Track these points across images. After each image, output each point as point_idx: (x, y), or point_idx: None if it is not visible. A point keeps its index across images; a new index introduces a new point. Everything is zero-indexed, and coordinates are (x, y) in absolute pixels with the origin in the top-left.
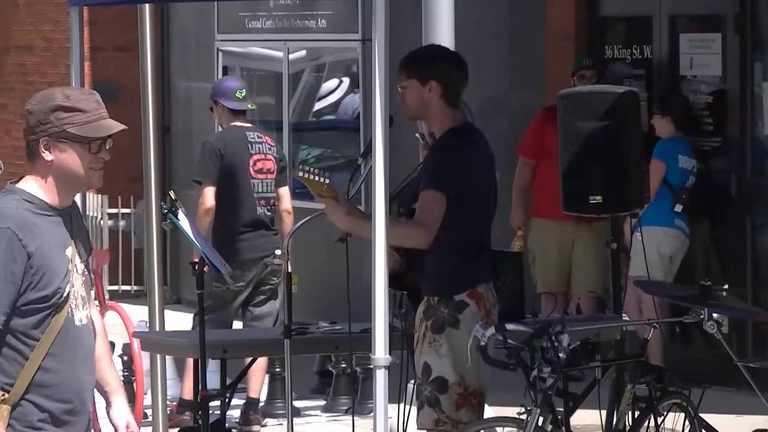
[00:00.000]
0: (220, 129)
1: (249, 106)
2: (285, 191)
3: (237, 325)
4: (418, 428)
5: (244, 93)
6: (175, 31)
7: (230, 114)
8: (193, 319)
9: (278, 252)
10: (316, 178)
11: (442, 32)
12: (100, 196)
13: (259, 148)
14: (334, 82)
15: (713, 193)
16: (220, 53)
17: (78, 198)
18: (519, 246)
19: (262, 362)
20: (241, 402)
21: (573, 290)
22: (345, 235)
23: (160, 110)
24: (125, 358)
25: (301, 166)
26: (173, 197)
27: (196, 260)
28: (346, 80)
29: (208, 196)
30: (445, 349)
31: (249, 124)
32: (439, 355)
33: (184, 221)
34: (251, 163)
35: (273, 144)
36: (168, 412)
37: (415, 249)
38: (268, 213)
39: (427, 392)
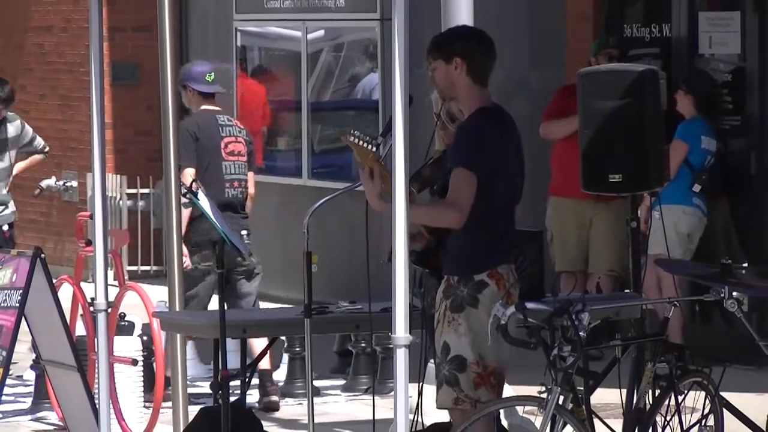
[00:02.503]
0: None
1: (219, 89)
2: (251, 176)
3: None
4: (437, 407)
5: (213, 76)
6: (193, 11)
7: (200, 98)
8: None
9: (244, 232)
10: (365, 145)
11: (461, 11)
12: (119, 176)
13: (229, 130)
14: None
15: (733, 171)
16: (239, 33)
17: (97, 178)
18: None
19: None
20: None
21: (591, 269)
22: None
23: (178, 91)
24: (145, 338)
25: (351, 131)
26: (193, 177)
27: (215, 240)
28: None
29: (188, 177)
30: (463, 329)
31: (218, 108)
32: (458, 335)
33: (204, 201)
34: (223, 145)
35: (242, 127)
36: None
37: (441, 228)
38: (239, 195)
39: (445, 371)
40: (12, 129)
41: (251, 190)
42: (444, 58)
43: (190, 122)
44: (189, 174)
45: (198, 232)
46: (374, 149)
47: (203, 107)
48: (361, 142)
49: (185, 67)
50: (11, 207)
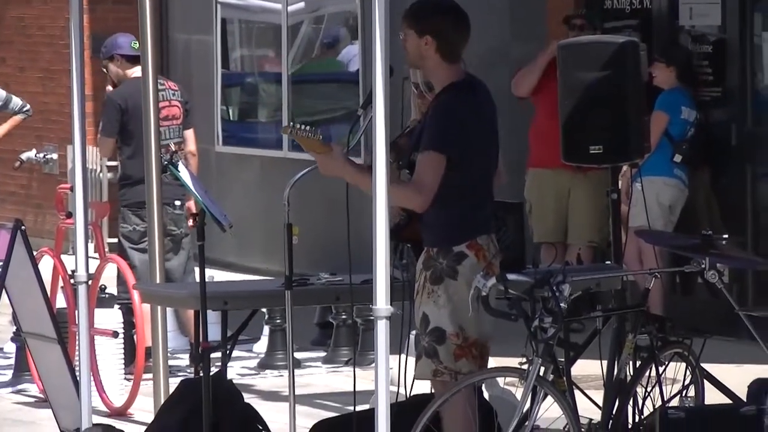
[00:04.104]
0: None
1: None
2: (190, 134)
3: None
4: (415, 378)
5: (138, 44)
6: None
7: (128, 63)
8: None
9: (177, 203)
10: (308, 135)
11: None
12: (98, 148)
13: (162, 95)
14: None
15: (713, 143)
16: (219, 6)
17: (78, 150)
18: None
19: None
20: (244, 354)
21: (570, 240)
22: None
23: (158, 63)
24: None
25: (291, 123)
26: (173, 149)
27: (196, 212)
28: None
29: (103, 148)
30: (443, 300)
31: None
32: (437, 306)
33: (184, 172)
34: None
35: (177, 88)
36: None
37: None
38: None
39: (425, 343)
40: None
41: (191, 148)
42: (416, 31)
43: (118, 94)
44: (107, 144)
45: (134, 194)
46: (320, 136)
47: (134, 74)
48: (303, 133)
49: (107, 42)
50: None
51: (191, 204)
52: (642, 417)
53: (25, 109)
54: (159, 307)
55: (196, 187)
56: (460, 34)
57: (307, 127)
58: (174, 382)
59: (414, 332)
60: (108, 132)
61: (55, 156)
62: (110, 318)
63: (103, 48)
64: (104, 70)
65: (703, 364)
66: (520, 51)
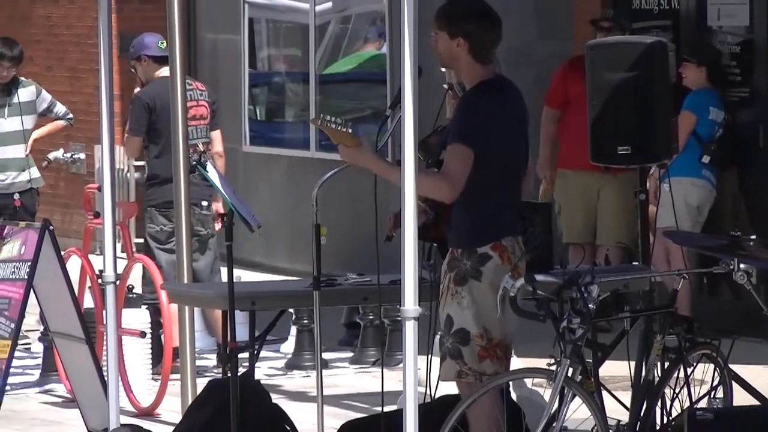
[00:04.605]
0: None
1: None
2: (217, 134)
3: None
4: (440, 380)
5: (165, 44)
6: None
7: (156, 64)
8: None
9: (204, 203)
10: (339, 128)
11: None
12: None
13: (190, 95)
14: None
15: (741, 143)
16: (246, 5)
17: (106, 150)
18: (546, 197)
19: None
20: (271, 354)
21: (599, 240)
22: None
23: (186, 62)
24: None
25: (321, 115)
26: (201, 149)
27: (223, 213)
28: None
29: (130, 147)
30: (467, 302)
31: None
32: (461, 308)
33: (212, 173)
34: None
35: (204, 89)
36: None
37: (438, 201)
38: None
39: (449, 344)
40: (25, 94)
41: (218, 148)
42: (449, 33)
43: (146, 93)
44: (134, 143)
45: (161, 194)
46: (349, 130)
47: (162, 74)
48: (334, 126)
49: (134, 42)
50: (27, 174)
51: (219, 205)
52: (670, 418)
53: (68, 117)
54: (186, 308)
55: (224, 188)
56: (492, 35)
57: (338, 119)
58: (201, 383)
59: (440, 333)
60: (135, 131)
61: (82, 156)
62: (138, 318)
63: (131, 48)
64: (133, 70)
65: (731, 365)
66: (545, 51)
